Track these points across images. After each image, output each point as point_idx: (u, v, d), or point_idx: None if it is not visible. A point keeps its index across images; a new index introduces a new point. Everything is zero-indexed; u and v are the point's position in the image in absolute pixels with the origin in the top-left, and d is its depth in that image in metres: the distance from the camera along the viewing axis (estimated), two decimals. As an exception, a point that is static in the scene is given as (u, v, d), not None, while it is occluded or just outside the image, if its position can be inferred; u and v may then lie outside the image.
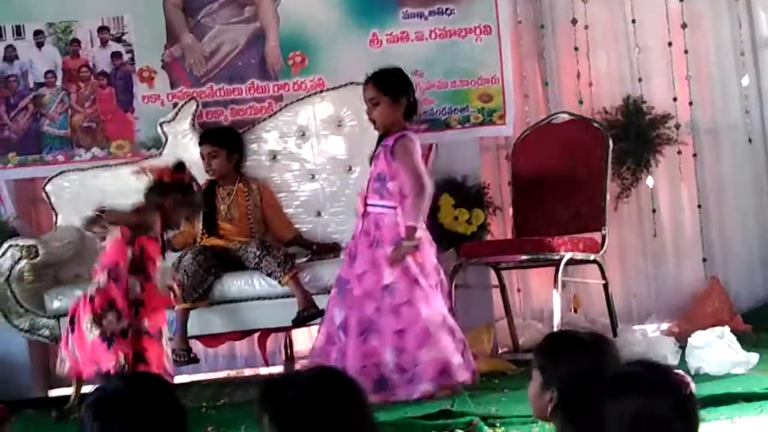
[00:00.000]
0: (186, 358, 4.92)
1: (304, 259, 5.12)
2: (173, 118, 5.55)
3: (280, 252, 4.98)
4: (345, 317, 4.50)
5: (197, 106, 5.59)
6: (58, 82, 5.77)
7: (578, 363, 2.47)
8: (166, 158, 5.35)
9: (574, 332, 2.72)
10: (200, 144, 5.33)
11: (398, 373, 4.44)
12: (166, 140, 5.50)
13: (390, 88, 4.57)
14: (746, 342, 4.94)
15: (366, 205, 4.60)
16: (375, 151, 4.67)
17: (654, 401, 2.06)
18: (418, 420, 4.13)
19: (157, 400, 2.06)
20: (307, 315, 4.86)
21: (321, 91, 5.61)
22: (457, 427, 4.04)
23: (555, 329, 4.97)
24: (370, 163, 4.69)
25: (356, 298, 4.48)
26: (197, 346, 5.43)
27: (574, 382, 2.45)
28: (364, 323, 4.44)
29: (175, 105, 5.66)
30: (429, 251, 4.59)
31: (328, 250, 5.28)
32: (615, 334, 5.28)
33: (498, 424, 4.03)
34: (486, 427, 3.93)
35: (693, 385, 2.10)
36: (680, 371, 2.14)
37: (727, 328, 4.88)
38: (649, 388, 2.08)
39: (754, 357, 4.71)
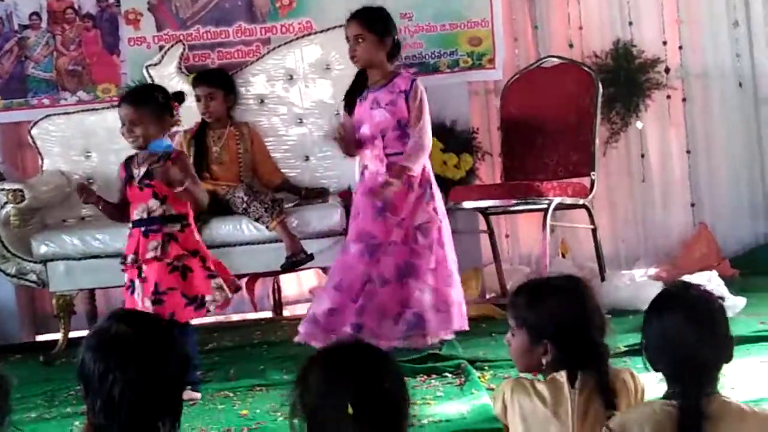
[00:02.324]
0: None
1: (291, 205, 5.09)
2: (159, 61, 5.49)
3: (267, 197, 4.95)
4: (378, 269, 4.39)
5: (184, 49, 5.54)
6: (43, 24, 5.70)
7: (564, 309, 2.47)
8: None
9: (545, 279, 2.71)
10: (195, 86, 5.27)
11: (435, 314, 4.41)
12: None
13: (376, 25, 4.50)
14: (733, 286, 4.96)
15: (387, 156, 4.47)
16: (360, 95, 4.56)
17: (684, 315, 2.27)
18: (407, 363, 4.15)
19: (161, 343, 2.05)
20: (296, 260, 4.85)
21: (309, 34, 5.56)
22: (446, 371, 4.06)
23: (545, 274, 4.97)
24: (351, 109, 4.57)
25: (395, 246, 4.40)
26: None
27: (565, 329, 2.45)
28: (401, 268, 4.38)
29: (161, 48, 5.61)
30: (440, 199, 4.58)
31: (316, 195, 5.25)
32: (603, 279, 5.30)
33: (486, 368, 4.05)
34: (474, 371, 3.94)
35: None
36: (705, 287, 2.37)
37: (714, 273, 4.90)
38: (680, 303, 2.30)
39: (741, 301, 4.73)
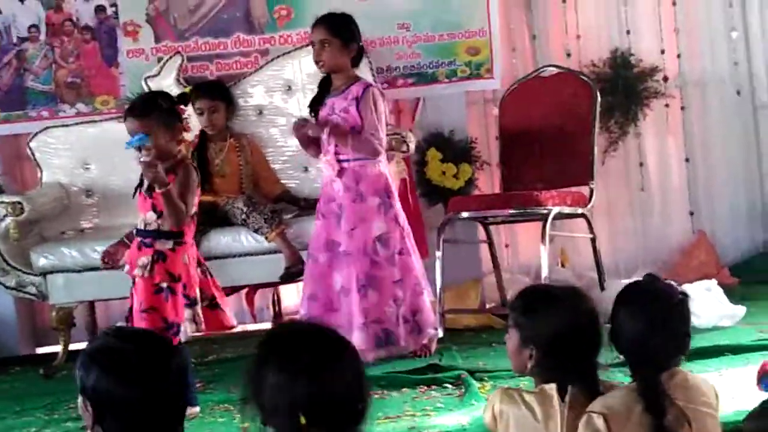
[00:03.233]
0: None
1: (290, 216, 5.09)
2: (158, 73, 5.49)
3: (266, 208, 4.95)
4: (342, 279, 4.45)
5: (182, 60, 5.54)
6: (42, 37, 5.71)
7: (554, 319, 2.50)
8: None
9: (548, 287, 2.80)
10: (196, 99, 5.20)
11: (402, 325, 4.45)
12: (151, 95, 5.45)
13: (341, 31, 4.57)
14: (733, 295, 4.97)
15: (339, 161, 4.54)
16: (321, 100, 4.63)
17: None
18: (407, 374, 4.15)
19: (159, 357, 2.04)
20: (295, 271, 4.84)
21: (307, 45, 5.54)
22: (446, 381, 4.06)
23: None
24: (315, 114, 4.64)
25: (349, 256, 4.44)
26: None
27: (551, 339, 2.48)
28: (361, 279, 4.42)
29: (159, 59, 5.61)
30: (401, 208, 4.65)
31: (315, 205, 5.24)
32: (602, 288, 5.29)
33: (486, 378, 4.05)
34: (474, 382, 3.94)
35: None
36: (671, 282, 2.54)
37: (714, 281, 4.91)
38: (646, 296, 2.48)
39: (740, 310, 4.74)
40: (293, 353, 1.86)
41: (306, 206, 5.24)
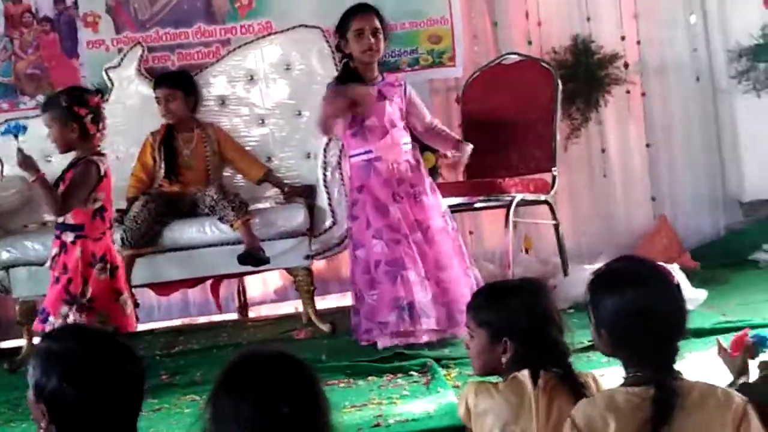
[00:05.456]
0: None
1: (263, 207, 5.06)
2: (119, 64, 5.47)
3: (236, 198, 4.93)
4: (440, 257, 4.48)
5: (143, 51, 5.52)
6: (0, 29, 5.66)
7: (525, 307, 2.51)
8: (113, 105, 5.29)
9: (502, 282, 2.80)
10: (155, 88, 5.25)
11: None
12: (112, 86, 5.43)
13: (385, 22, 4.58)
14: (694, 279, 5.00)
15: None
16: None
17: (648, 292, 2.19)
18: (373, 363, 4.16)
19: (119, 363, 2.05)
20: (254, 255, 4.78)
21: (269, 35, 5.55)
22: (411, 369, 4.07)
23: (508, 270, 5.00)
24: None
25: (439, 231, 4.51)
26: (149, 295, 5.41)
27: (526, 327, 2.49)
28: (450, 253, 4.50)
29: (120, 50, 5.58)
30: None
31: (299, 192, 5.18)
32: (566, 274, 5.33)
33: (452, 365, 4.06)
34: (440, 369, 3.96)
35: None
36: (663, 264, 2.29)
37: (676, 266, 4.92)
38: (642, 281, 2.22)
39: (702, 293, 4.77)
40: (243, 378, 1.85)
41: (290, 193, 5.19)
